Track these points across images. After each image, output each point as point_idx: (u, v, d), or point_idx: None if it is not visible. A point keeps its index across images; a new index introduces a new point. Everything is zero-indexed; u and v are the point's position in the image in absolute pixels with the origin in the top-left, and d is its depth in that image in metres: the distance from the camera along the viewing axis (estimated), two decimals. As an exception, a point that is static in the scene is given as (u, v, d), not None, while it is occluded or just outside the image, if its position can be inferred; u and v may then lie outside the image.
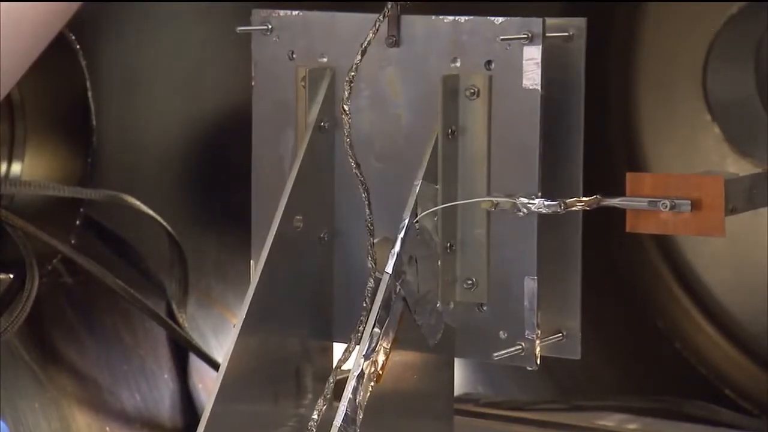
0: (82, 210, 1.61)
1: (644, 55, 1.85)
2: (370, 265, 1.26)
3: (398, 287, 1.24)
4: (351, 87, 1.26)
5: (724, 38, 1.77)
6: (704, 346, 1.82)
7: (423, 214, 1.25)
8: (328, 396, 1.27)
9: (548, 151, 1.26)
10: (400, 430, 1.28)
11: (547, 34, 1.25)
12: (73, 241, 1.58)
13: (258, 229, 1.36)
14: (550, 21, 1.26)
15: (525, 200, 1.25)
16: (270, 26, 1.36)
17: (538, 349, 1.28)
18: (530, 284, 1.27)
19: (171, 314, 1.66)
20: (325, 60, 1.34)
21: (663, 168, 1.82)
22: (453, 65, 1.28)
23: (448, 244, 1.28)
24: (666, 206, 1.22)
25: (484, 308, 1.29)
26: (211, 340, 1.67)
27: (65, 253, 1.54)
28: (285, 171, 1.34)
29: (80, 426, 1.59)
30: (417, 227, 1.25)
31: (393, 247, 1.24)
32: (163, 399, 1.66)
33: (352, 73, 1.27)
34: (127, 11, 1.63)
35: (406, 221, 1.24)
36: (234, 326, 1.29)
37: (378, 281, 1.24)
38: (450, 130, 1.27)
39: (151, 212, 1.56)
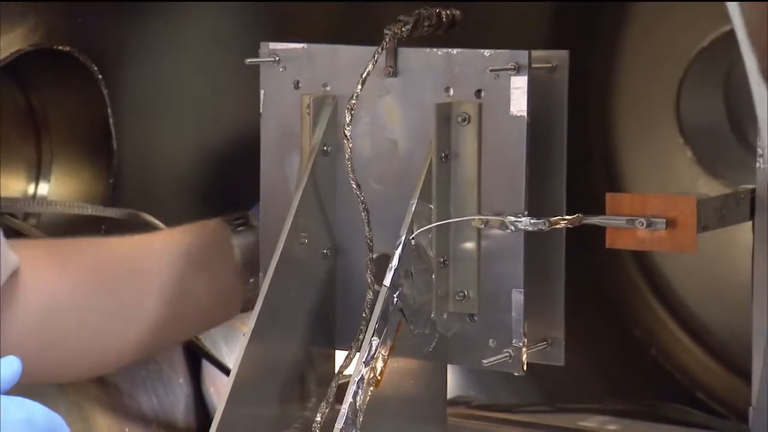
0: (103, 227, 1.61)
1: (622, 84, 1.85)
2: (369, 279, 1.26)
3: (395, 299, 1.23)
4: (352, 114, 1.26)
5: (696, 68, 1.77)
6: (678, 353, 1.82)
7: (418, 231, 1.25)
8: (330, 399, 1.27)
9: (534, 172, 1.26)
10: (398, 429, 1.27)
11: (533, 66, 1.25)
12: (95, 256, 1.57)
13: (266, 244, 1.36)
14: (535, 53, 1.26)
15: (512, 219, 1.25)
16: (277, 58, 1.35)
17: (524, 356, 1.27)
18: (517, 296, 1.26)
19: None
20: (328, 89, 1.33)
21: (639, 188, 1.82)
22: (446, 94, 1.28)
23: (442, 259, 1.28)
24: (642, 224, 1.22)
25: (475, 318, 1.28)
26: (222, 347, 1.67)
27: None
28: (291, 191, 1.34)
29: (101, 427, 1.58)
30: (413, 244, 1.24)
31: (390, 262, 1.23)
32: (178, 402, 1.65)
33: (353, 101, 1.27)
34: (145, 45, 1.63)
35: (403, 238, 1.24)
36: (244, 335, 1.28)
37: (377, 294, 1.24)
38: (443, 154, 1.27)
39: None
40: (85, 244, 1.40)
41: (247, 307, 1.45)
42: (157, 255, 1.39)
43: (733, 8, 1.05)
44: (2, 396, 0.99)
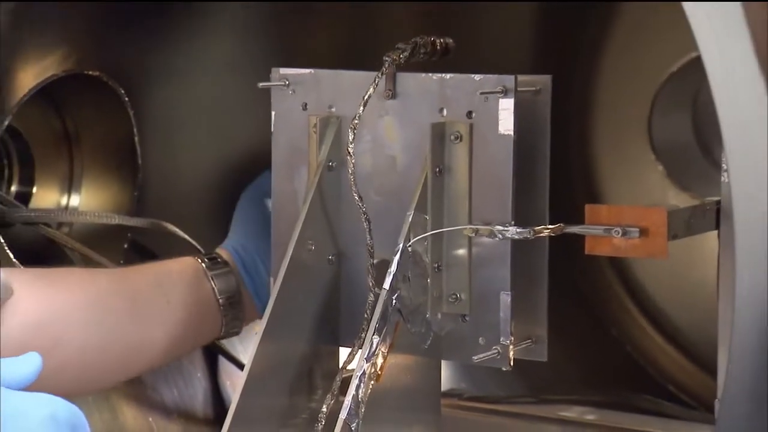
0: (129, 235, 1.61)
1: (599, 105, 1.84)
2: (370, 283, 1.26)
3: (394, 301, 1.23)
4: (354, 133, 1.26)
5: (666, 91, 1.77)
6: (651, 350, 1.82)
7: (415, 239, 1.24)
8: (335, 392, 1.27)
9: (520, 186, 1.26)
10: (396, 421, 1.27)
11: (519, 89, 1.25)
12: (121, 262, 1.57)
13: (277, 251, 1.35)
14: (521, 78, 1.26)
15: (500, 228, 1.24)
16: (287, 82, 1.35)
17: (511, 352, 1.27)
18: (505, 298, 1.26)
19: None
20: (333, 110, 1.33)
21: (615, 200, 1.81)
22: (440, 115, 1.28)
23: (436, 265, 1.27)
24: (618, 233, 1.22)
25: (466, 318, 1.28)
26: (237, 345, 1.66)
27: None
28: (299, 203, 1.33)
29: (127, 417, 1.58)
30: (410, 250, 1.24)
31: (390, 267, 1.23)
32: (196, 394, 1.65)
33: (356, 121, 1.26)
34: (167, 70, 1.62)
35: (401, 245, 1.23)
36: (256, 333, 1.28)
37: (377, 296, 1.23)
38: (437, 169, 1.27)
39: (187, 237, 1.55)
40: (68, 271, 1.37)
41: (225, 337, 1.45)
42: (130, 286, 1.36)
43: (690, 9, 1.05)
44: (26, 393, 0.97)
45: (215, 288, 1.40)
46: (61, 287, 1.30)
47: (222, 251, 1.45)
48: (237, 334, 1.46)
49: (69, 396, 1.17)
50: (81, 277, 1.34)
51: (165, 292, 1.36)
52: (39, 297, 1.27)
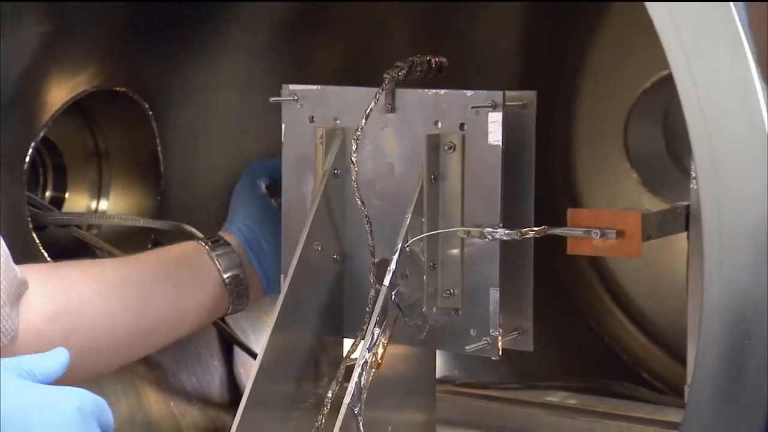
0: (152, 236, 1.61)
1: (579, 119, 1.84)
2: (371, 280, 1.25)
3: (393, 296, 1.22)
4: (357, 143, 1.25)
5: (640, 106, 1.77)
6: (626, 340, 1.81)
7: (412, 240, 1.24)
8: (339, 379, 1.26)
9: (507, 191, 1.25)
10: (395, 405, 1.26)
11: (507, 103, 1.24)
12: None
13: (287, 251, 1.35)
14: (508, 93, 1.25)
15: (490, 230, 1.23)
16: (296, 97, 1.34)
17: (500, 343, 1.26)
18: (494, 294, 1.25)
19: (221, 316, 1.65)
20: (337, 122, 1.32)
21: (594, 204, 1.81)
22: (435, 127, 1.27)
23: (431, 263, 1.26)
24: (597, 234, 1.21)
25: (459, 312, 1.27)
26: (250, 335, 1.66)
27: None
28: (307, 207, 1.32)
29: (150, 401, 1.57)
30: (408, 250, 1.23)
31: (389, 265, 1.22)
32: (213, 380, 1.64)
33: (358, 133, 1.26)
34: (188, 86, 1.62)
35: (400, 245, 1.22)
36: (268, 325, 1.27)
37: (378, 292, 1.22)
38: (432, 176, 1.26)
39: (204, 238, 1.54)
40: (77, 264, 1.34)
41: (233, 312, 1.42)
42: (136, 274, 1.33)
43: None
44: (54, 387, 0.94)
45: (220, 267, 1.38)
46: (71, 280, 1.27)
47: (225, 234, 1.43)
48: (242, 309, 1.43)
49: (80, 379, 1.16)
50: (89, 269, 1.31)
51: (170, 275, 1.34)
52: (51, 290, 1.25)
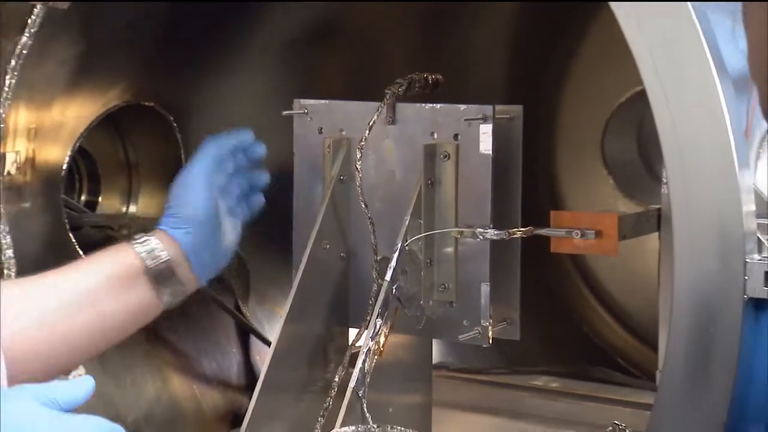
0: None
1: (560, 130, 1.84)
2: (374, 275, 1.25)
3: (394, 290, 1.22)
4: (361, 152, 1.25)
5: (615, 118, 1.76)
6: (603, 330, 1.81)
7: (411, 240, 1.23)
8: (345, 365, 1.26)
9: (496, 196, 1.25)
10: (395, 389, 1.26)
11: (496, 116, 1.24)
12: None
13: (297, 250, 1.34)
14: (498, 107, 1.25)
15: (481, 230, 1.23)
16: (306, 110, 1.34)
17: (490, 332, 1.26)
18: (485, 288, 1.25)
19: (238, 308, 1.65)
20: (343, 133, 1.32)
21: (574, 207, 1.80)
22: (431, 137, 1.27)
23: (428, 261, 1.26)
24: (577, 234, 1.21)
25: (453, 305, 1.27)
26: (265, 326, 1.66)
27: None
28: (316, 210, 1.32)
29: (175, 384, 1.57)
30: (407, 249, 1.23)
31: (390, 262, 1.22)
32: (232, 366, 1.64)
33: (362, 143, 1.26)
34: (208, 100, 1.62)
35: (399, 245, 1.22)
36: (281, 317, 1.27)
37: (380, 286, 1.22)
38: (429, 182, 1.26)
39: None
40: (34, 281, 1.19)
41: (172, 306, 1.23)
42: (81, 284, 1.19)
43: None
44: (74, 415, 0.88)
45: (143, 260, 1.19)
46: (32, 296, 1.17)
47: (157, 231, 1.23)
48: (179, 298, 1.23)
49: (46, 375, 1.10)
50: (42, 287, 1.19)
51: (103, 288, 1.19)
52: (17, 306, 1.15)
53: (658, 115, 1.07)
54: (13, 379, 1.03)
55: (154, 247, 1.21)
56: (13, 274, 1.37)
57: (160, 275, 1.21)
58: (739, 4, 1.24)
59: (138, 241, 1.21)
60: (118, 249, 1.22)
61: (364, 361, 1.19)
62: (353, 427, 1.17)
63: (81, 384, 0.90)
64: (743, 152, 1.06)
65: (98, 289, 1.19)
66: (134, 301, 1.21)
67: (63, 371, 1.24)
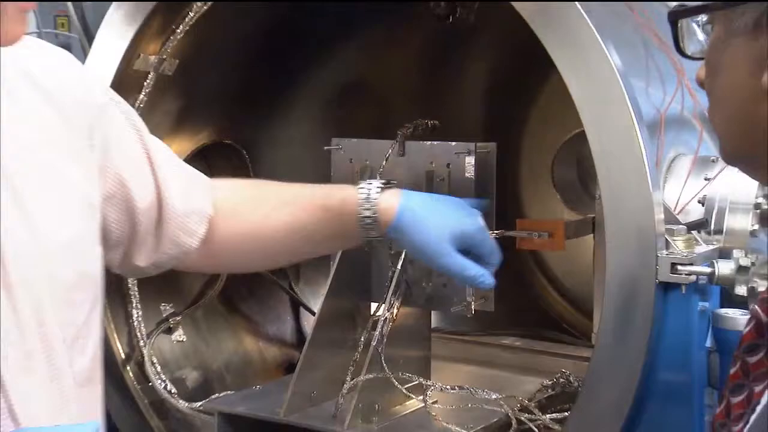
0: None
1: (523, 159, 1.83)
2: (389, 264, 1.25)
3: (404, 276, 1.23)
4: (380, 176, 1.26)
5: (562, 151, 1.75)
6: (553, 304, 1.80)
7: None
8: (368, 329, 1.26)
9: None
10: (404, 346, 1.26)
11: (477, 150, 1.25)
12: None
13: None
14: (478, 144, 1.26)
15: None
16: (340, 146, 1.35)
17: (473, 306, 1.27)
18: (469, 274, 1.25)
19: (291, 288, 1.65)
20: (367, 162, 1.33)
21: (533, 216, 1.80)
22: (431, 165, 1.28)
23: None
24: (536, 235, 1.22)
25: (446, 286, 1.27)
26: (311, 300, 1.65)
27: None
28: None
29: (246, 343, 1.57)
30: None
31: (401, 255, 1.23)
32: (287, 330, 1.64)
33: (381, 169, 1.27)
34: (273, 138, 1.61)
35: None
36: (322, 294, 1.28)
37: (394, 272, 1.23)
38: (429, 198, 1.26)
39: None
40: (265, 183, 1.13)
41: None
42: (300, 195, 1.11)
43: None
44: None
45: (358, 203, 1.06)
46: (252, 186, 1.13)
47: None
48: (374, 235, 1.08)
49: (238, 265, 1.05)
50: (267, 186, 1.13)
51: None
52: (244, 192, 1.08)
53: (594, 149, 1.09)
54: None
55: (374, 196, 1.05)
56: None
57: (364, 222, 1.05)
58: (653, 69, 1.25)
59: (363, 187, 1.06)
60: (343, 187, 1.09)
61: (382, 326, 1.20)
62: (374, 374, 1.18)
63: (86, 428, 0.73)
64: (655, 177, 1.07)
65: (312, 204, 1.07)
66: (337, 228, 1.06)
67: (253, 266, 1.15)
